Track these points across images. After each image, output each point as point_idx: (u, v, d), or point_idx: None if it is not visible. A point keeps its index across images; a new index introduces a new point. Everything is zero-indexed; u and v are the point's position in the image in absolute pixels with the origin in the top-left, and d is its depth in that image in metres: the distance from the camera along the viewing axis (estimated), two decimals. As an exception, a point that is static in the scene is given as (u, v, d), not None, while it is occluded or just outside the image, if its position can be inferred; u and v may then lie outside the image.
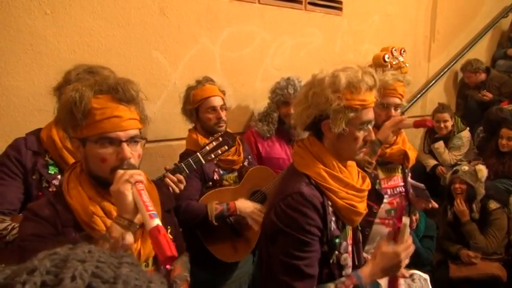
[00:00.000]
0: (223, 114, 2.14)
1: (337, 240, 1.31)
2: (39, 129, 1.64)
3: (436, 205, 2.09)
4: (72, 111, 1.04)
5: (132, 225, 1.03)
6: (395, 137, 2.02)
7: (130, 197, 1.01)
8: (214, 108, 2.13)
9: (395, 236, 1.28)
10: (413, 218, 2.22)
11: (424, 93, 4.38)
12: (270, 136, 2.59)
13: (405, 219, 1.28)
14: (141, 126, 1.14)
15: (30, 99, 2.07)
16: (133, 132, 1.11)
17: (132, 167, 1.08)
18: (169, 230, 1.25)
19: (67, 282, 0.40)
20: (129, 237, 1.02)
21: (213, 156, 1.84)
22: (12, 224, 1.46)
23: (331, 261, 1.29)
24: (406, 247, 1.27)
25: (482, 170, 2.99)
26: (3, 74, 1.98)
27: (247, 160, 2.29)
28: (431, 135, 3.93)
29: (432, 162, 3.87)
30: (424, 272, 3.04)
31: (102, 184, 1.11)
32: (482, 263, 2.87)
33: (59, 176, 1.58)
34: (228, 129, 2.20)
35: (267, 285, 1.32)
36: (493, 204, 2.97)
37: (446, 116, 3.77)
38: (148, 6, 2.41)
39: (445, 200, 3.19)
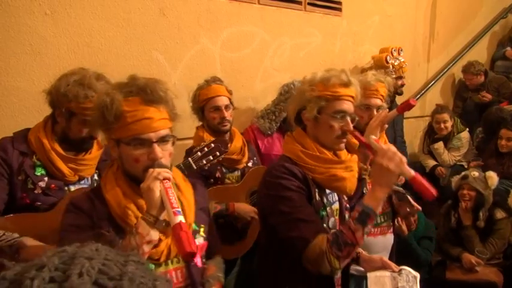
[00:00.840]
0: (227, 114, 2.17)
1: (323, 213, 1.41)
2: (28, 129, 1.60)
3: (419, 208, 2.01)
4: (104, 114, 1.10)
5: (158, 222, 1.08)
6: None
7: (157, 194, 1.06)
8: (218, 108, 2.16)
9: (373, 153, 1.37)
10: (412, 219, 2.20)
11: (423, 94, 4.39)
12: (271, 134, 2.62)
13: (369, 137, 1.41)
14: (171, 125, 1.18)
15: (30, 99, 2.07)
16: (164, 132, 1.15)
17: (162, 166, 1.12)
18: (202, 229, 1.28)
19: (74, 279, 0.41)
20: (154, 234, 1.07)
21: (204, 162, 1.82)
22: None
23: None
24: (383, 152, 1.29)
25: (493, 178, 2.91)
26: (3, 74, 1.99)
27: (252, 161, 2.31)
28: (431, 135, 3.94)
29: (431, 162, 3.87)
30: (422, 273, 3.02)
31: (137, 182, 1.15)
32: (480, 267, 2.83)
33: (46, 178, 1.54)
34: (234, 128, 2.27)
35: (278, 254, 1.43)
36: (500, 214, 2.90)
37: (446, 116, 3.78)
38: (148, 6, 2.41)
39: (447, 202, 3.14)
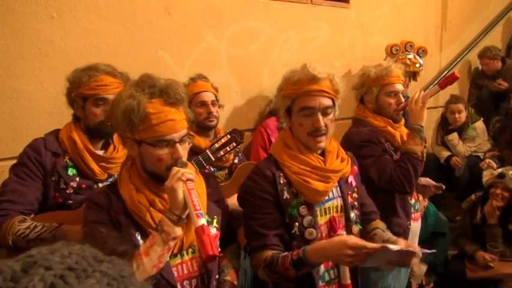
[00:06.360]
0: (214, 109, 2.20)
1: (293, 212, 1.39)
2: (58, 130, 1.66)
3: (443, 186, 2.14)
4: (131, 117, 1.14)
5: (181, 220, 1.14)
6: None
7: (181, 195, 1.12)
8: (204, 103, 2.19)
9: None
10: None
11: (436, 84, 4.29)
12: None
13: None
14: (187, 125, 1.24)
15: (40, 102, 2.11)
16: (184, 132, 1.21)
17: (184, 165, 1.19)
18: (215, 220, 1.35)
19: None
20: (178, 231, 1.14)
21: (222, 153, 1.91)
22: (34, 223, 1.47)
23: (293, 231, 1.38)
24: (358, 246, 1.18)
25: None
26: (13, 78, 2.03)
27: (238, 158, 2.32)
28: (444, 126, 3.86)
29: (446, 153, 3.79)
30: (438, 270, 2.93)
31: (158, 179, 1.22)
32: (499, 263, 2.74)
33: (77, 178, 1.60)
34: (215, 124, 2.26)
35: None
36: None
37: (460, 106, 3.70)
38: (153, 5, 2.43)
39: (471, 197, 3.06)
